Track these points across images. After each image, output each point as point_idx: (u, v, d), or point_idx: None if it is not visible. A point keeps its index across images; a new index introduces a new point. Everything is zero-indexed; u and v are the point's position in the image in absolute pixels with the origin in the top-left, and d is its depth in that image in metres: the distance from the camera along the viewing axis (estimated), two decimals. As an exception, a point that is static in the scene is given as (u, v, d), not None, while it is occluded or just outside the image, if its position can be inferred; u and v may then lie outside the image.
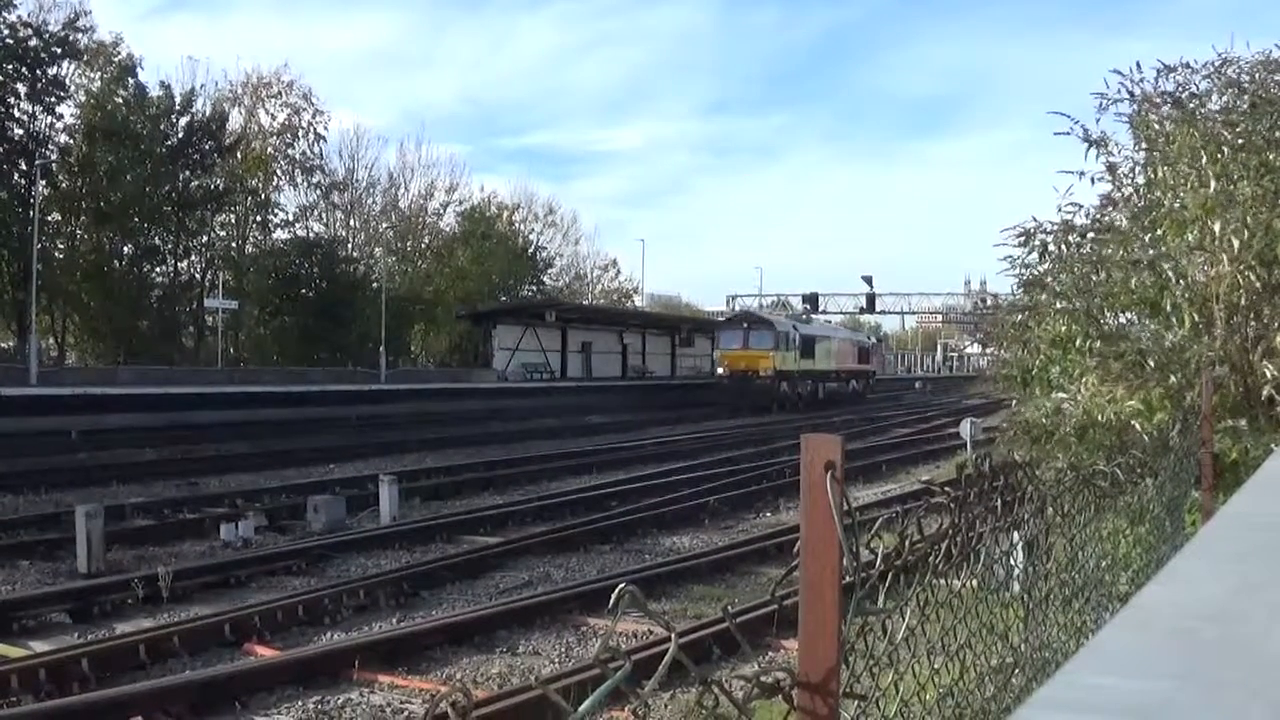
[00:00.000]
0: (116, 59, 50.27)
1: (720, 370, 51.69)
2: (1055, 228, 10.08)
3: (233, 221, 57.64)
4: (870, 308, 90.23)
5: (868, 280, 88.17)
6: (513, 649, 9.86)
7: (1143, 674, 1.29)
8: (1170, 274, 8.77)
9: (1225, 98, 9.79)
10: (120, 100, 50.08)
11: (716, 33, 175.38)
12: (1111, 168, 10.11)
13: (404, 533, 15.11)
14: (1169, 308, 8.88)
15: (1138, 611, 1.61)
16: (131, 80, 50.75)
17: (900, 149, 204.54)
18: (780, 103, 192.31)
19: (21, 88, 46.72)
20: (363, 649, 9.19)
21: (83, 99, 49.43)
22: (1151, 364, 8.67)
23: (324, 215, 63.00)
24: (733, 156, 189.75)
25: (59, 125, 48.91)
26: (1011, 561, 3.53)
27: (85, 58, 49.03)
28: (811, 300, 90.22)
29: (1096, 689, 1.23)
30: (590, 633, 10.32)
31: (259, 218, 58.49)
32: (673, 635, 2.03)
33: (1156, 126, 9.79)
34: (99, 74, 50.10)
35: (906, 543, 2.40)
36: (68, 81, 48.61)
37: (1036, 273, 10.29)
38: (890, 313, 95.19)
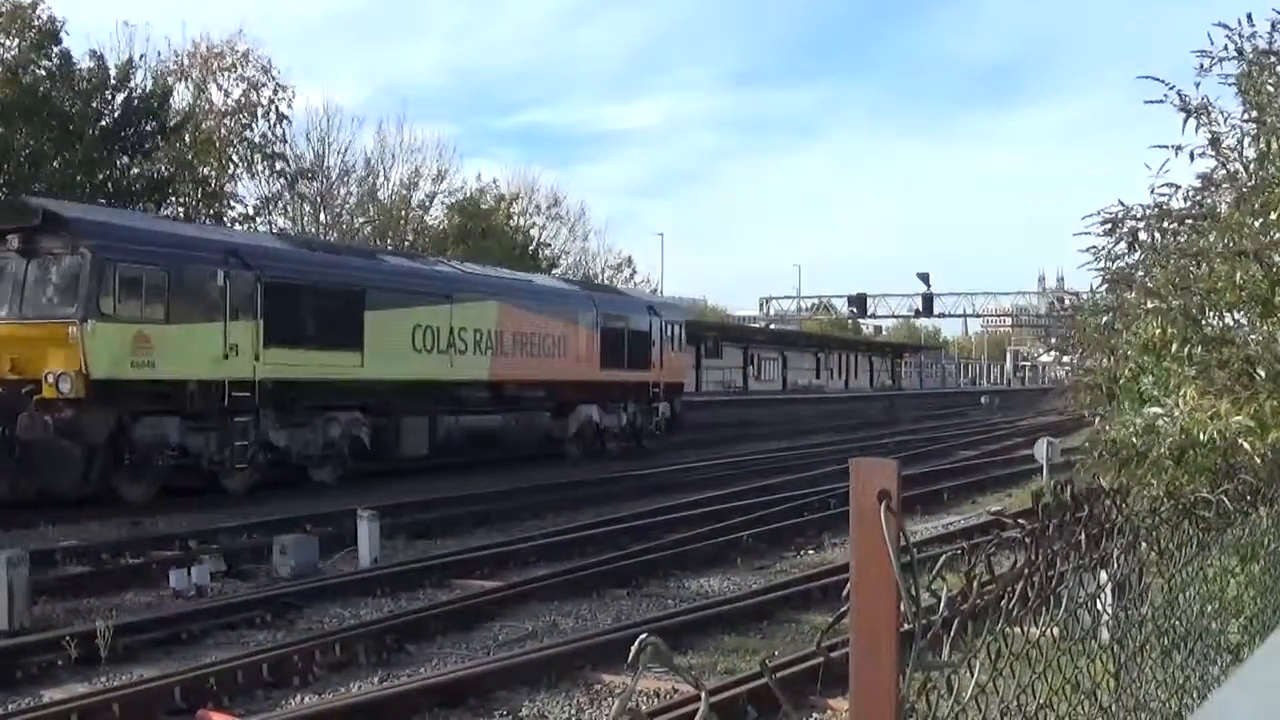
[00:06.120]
0: (36, 23, 50.17)
1: None
2: (1147, 213, 10.02)
3: (182, 215, 57.86)
4: (927, 310, 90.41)
5: (924, 278, 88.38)
6: (514, 711, 9.86)
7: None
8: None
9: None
10: (43, 72, 50.08)
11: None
12: (1215, 140, 10.01)
13: (387, 577, 15.12)
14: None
15: (1263, 666, 1.59)
16: (55, 48, 50.61)
17: (961, 123, 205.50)
18: (819, 72, 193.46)
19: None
20: (339, 714, 9.19)
21: (-4, 70, 49.42)
22: (1263, 373, 8.62)
23: (289, 208, 63.19)
24: (765, 136, 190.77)
25: (-34, 101, 48.87)
26: (1099, 606, 3.52)
27: (-2, 20, 48.92)
28: (859, 302, 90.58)
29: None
30: (605, 692, 10.31)
31: (212, 211, 58.69)
32: (703, 693, 2.04)
33: (1271, 89, 9.70)
34: (15, 41, 50.06)
35: (974, 584, 2.41)
36: (-24, 48, 48.51)
37: (1125, 265, 10.25)
38: (951, 315, 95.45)
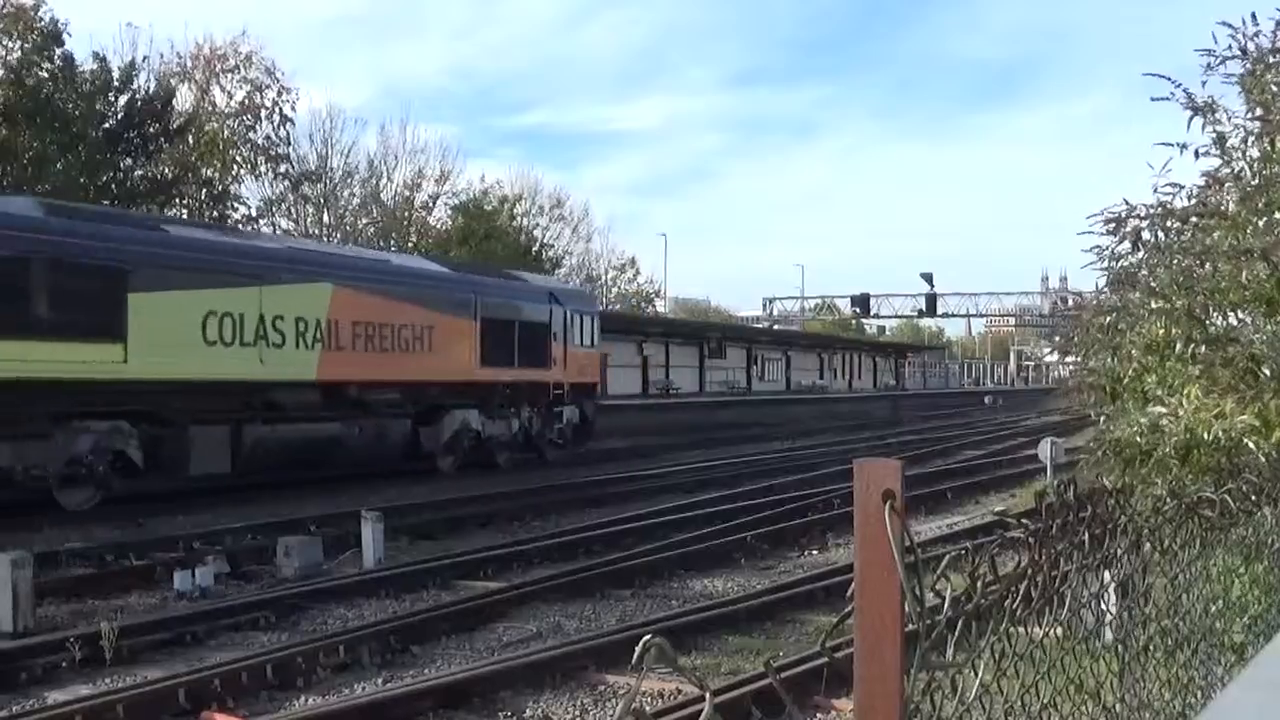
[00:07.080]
0: (38, 25, 50.08)
1: None
2: (1151, 211, 10.00)
3: (185, 217, 57.83)
4: (930, 310, 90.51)
5: (927, 278, 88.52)
6: (519, 713, 9.86)
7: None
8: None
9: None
10: (45, 74, 50.04)
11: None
12: (1220, 139, 10.00)
13: (391, 578, 15.12)
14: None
15: (1267, 666, 1.59)
16: (58, 50, 50.57)
17: (963, 124, 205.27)
18: (821, 72, 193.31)
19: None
20: (343, 715, 9.20)
21: (-1, 73, 49.38)
22: (1267, 372, 8.62)
23: (293, 210, 63.17)
24: (767, 136, 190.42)
25: (-31, 104, 48.74)
26: (1102, 606, 3.52)
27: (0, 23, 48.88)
28: (862, 302, 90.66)
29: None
30: (610, 693, 10.31)
31: (216, 212, 58.69)
32: (707, 694, 2.05)
33: (1275, 88, 9.69)
34: (18, 43, 49.99)
35: (978, 584, 2.41)
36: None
37: (1129, 264, 10.23)
38: (954, 315, 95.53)
